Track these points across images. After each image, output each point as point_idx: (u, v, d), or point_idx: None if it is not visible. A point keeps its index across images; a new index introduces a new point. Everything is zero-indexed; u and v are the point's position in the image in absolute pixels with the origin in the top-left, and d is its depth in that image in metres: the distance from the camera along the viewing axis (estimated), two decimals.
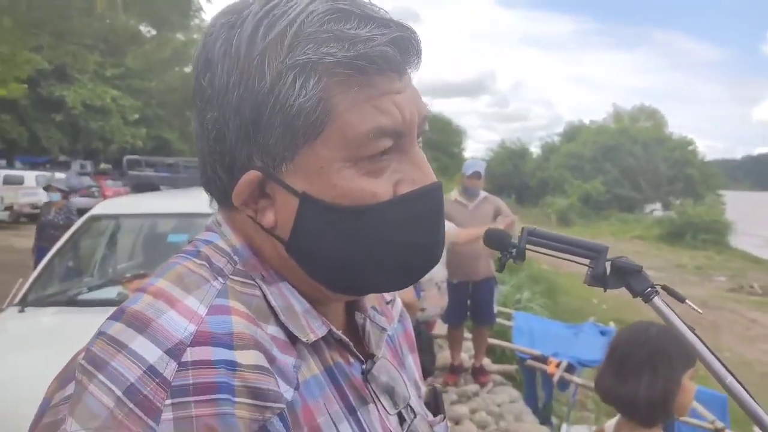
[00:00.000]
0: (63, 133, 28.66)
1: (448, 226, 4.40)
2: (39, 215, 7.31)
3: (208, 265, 0.59)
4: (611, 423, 1.67)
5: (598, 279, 0.81)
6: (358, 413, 0.62)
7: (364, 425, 0.62)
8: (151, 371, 0.48)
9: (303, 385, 0.57)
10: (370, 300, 0.75)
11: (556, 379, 4.53)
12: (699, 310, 0.78)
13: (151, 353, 0.49)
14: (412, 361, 0.85)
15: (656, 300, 0.80)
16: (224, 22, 0.59)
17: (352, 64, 0.55)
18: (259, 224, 0.61)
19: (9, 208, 16.82)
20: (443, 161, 41.72)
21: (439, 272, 4.28)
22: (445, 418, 0.79)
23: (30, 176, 19.42)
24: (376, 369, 0.67)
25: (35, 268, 6.23)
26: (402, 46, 0.58)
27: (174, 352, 0.49)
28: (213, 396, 0.48)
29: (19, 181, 18.76)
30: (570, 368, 4.66)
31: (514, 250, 0.82)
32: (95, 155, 32.05)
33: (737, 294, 14.43)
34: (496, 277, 5.24)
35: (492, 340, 5.62)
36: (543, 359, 4.81)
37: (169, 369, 0.48)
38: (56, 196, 7.02)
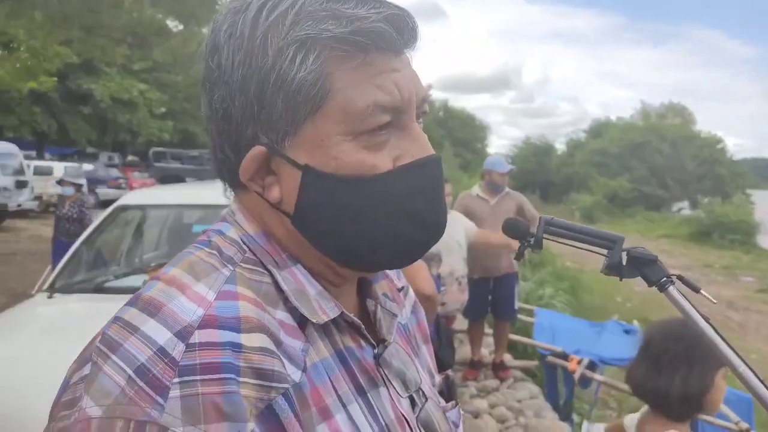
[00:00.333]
0: (91, 126, 29.11)
1: (469, 225, 4.40)
2: (55, 209, 7.46)
3: (218, 254, 0.62)
4: (632, 417, 1.67)
5: (613, 268, 0.82)
6: (369, 395, 0.64)
7: (375, 407, 0.64)
8: (161, 352, 0.51)
9: (311, 368, 0.59)
10: (381, 287, 0.77)
11: (577, 376, 4.50)
12: (713, 300, 0.78)
13: (161, 335, 0.52)
14: (426, 351, 0.86)
15: (671, 289, 0.81)
16: (231, 8, 0.62)
17: (349, 39, 0.57)
18: (266, 200, 0.63)
19: (38, 198, 17.14)
20: (466, 157, 41.56)
21: (459, 267, 4.28)
22: (457, 404, 0.81)
23: (59, 167, 19.77)
24: (388, 354, 0.69)
25: (53, 260, 6.35)
26: (397, 25, 0.60)
27: (182, 334, 0.52)
28: (219, 375, 0.50)
29: (48, 172, 19.11)
30: (592, 366, 4.62)
31: (531, 239, 0.82)
32: (123, 147, 32.52)
33: (765, 295, 14.15)
34: (517, 273, 5.22)
35: (513, 336, 5.60)
36: (564, 356, 4.78)
37: (177, 350, 0.51)
38: (69, 190, 7.11)
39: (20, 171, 15.41)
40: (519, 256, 0.85)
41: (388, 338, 0.70)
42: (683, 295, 0.81)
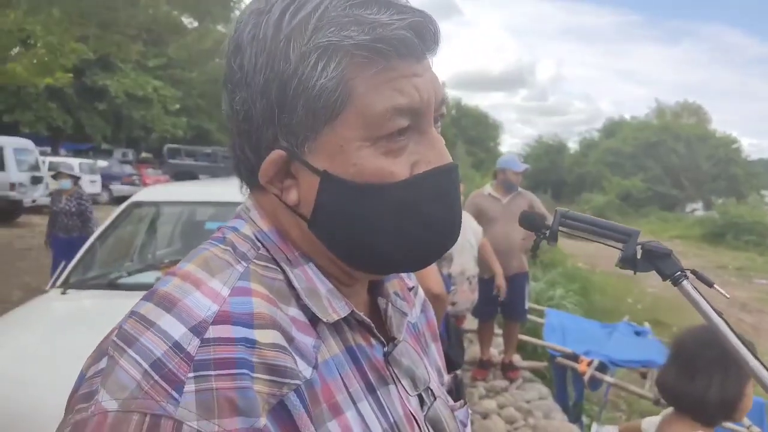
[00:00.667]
0: (106, 122, 29.31)
1: (477, 230, 4.41)
2: (50, 205, 7.12)
3: (232, 251, 0.63)
4: (651, 420, 1.67)
5: (628, 262, 0.82)
6: (378, 393, 0.65)
7: (384, 405, 0.65)
8: (176, 347, 0.52)
9: (322, 365, 0.60)
10: (393, 285, 0.78)
11: (587, 378, 4.49)
12: (726, 294, 0.78)
13: (177, 330, 0.53)
14: (435, 350, 0.87)
15: (685, 284, 0.81)
16: (254, 9, 0.63)
17: (371, 46, 0.58)
18: (284, 203, 0.64)
19: (53, 193, 17.27)
20: (479, 156, 41.42)
21: (470, 267, 4.29)
22: (466, 404, 0.81)
23: (74, 163, 19.90)
24: (398, 352, 0.70)
25: (54, 260, 6.27)
26: (420, 31, 0.60)
27: (197, 329, 0.53)
28: (232, 371, 0.51)
29: (71, 168, 19.23)
30: (602, 368, 4.61)
31: (547, 232, 0.83)
32: (137, 144, 32.74)
33: None
34: (528, 273, 5.22)
35: (523, 337, 5.59)
36: (574, 357, 4.77)
37: (192, 345, 0.52)
38: (67, 184, 6.83)
39: (36, 167, 15.53)
40: (535, 248, 0.86)
41: (398, 337, 0.71)
42: (697, 290, 0.81)
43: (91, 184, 19.90)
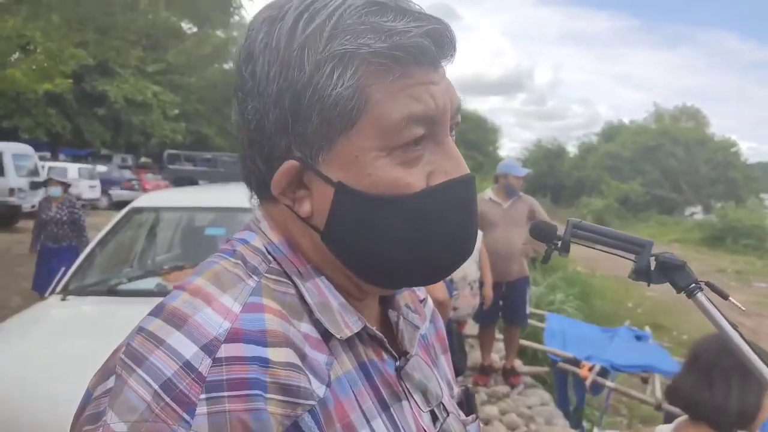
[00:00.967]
0: (105, 127, 29.30)
1: (479, 236, 4.41)
2: (38, 212, 6.63)
3: (243, 264, 0.61)
4: (663, 429, 1.66)
5: (642, 273, 0.81)
6: (392, 410, 0.64)
7: (398, 422, 0.63)
8: (187, 366, 0.50)
9: (335, 382, 0.58)
10: (404, 298, 0.76)
11: (588, 383, 4.47)
12: (742, 307, 0.77)
13: (188, 349, 0.51)
14: (445, 362, 0.85)
15: (699, 296, 0.80)
16: (266, 16, 0.61)
17: (388, 54, 0.56)
18: (296, 214, 0.62)
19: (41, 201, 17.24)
20: (478, 159, 41.46)
21: (472, 272, 4.28)
22: (477, 418, 0.80)
23: (73, 168, 19.92)
24: (410, 366, 0.68)
25: (37, 270, 6.15)
26: (437, 39, 0.59)
27: (209, 348, 0.51)
28: (246, 392, 0.50)
29: (62, 174, 19.26)
30: (603, 372, 4.60)
31: (559, 242, 0.81)
32: (136, 149, 32.72)
33: None
34: (529, 277, 5.21)
35: (524, 342, 5.58)
36: (575, 362, 4.75)
37: (204, 364, 0.50)
38: (56, 191, 6.41)
39: (35, 172, 15.52)
40: (546, 258, 0.85)
41: (410, 351, 0.70)
42: (712, 302, 0.80)
43: (90, 189, 19.92)
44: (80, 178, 19.54)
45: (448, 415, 0.72)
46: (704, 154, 44.14)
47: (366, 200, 0.59)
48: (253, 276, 0.60)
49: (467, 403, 0.82)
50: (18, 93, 19.39)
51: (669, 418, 4.06)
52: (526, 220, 4.89)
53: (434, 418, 0.71)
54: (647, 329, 6.35)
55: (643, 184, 41.01)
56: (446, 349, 0.87)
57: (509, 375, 5.23)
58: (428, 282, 0.67)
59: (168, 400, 0.49)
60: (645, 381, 4.73)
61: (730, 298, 0.80)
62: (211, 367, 0.50)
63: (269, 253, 0.64)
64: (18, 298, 6.83)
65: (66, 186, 6.61)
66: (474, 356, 5.49)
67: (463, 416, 0.78)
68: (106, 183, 21.48)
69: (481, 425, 0.83)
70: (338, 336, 0.60)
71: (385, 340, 0.66)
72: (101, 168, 22.66)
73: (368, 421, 0.60)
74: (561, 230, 0.82)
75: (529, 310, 5.28)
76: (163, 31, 10.78)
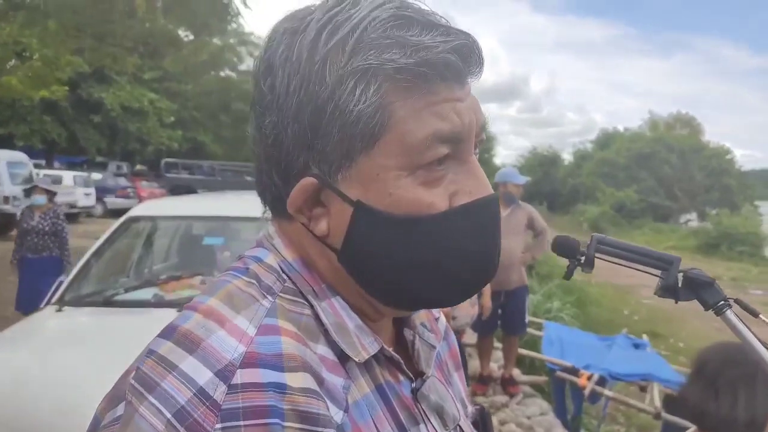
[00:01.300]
0: (101, 134, 29.20)
1: None
2: (19, 221, 6.18)
3: (257, 284, 0.59)
4: None
5: (669, 290, 0.79)
6: None
7: None
8: (201, 394, 0.48)
9: (353, 407, 0.56)
10: (419, 317, 0.74)
11: (587, 392, 4.46)
12: None
13: (201, 375, 0.49)
14: (458, 379, 0.83)
15: (728, 314, 0.78)
16: (287, 27, 0.60)
17: (414, 70, 0.54)
18: (312, 233, 0.60)
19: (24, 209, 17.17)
20: None
21: None
22: None
23: (68, 176, 19.85)
24: (426, 387, 0.66)
25: (20, 283, 5.86)
26: (464, 54, 0.57)
27: (224, 373, 0.49)
28: (263, 420, 0.48)
29: (57, 181, 19.16)
30: (601, 381, 4.59)
31: (582, 258, 0.79)
32: (131, 156, 32.64)
33: None
34: (528, 286, 5.20)
35: (522, 351, 5.56)
36: (574, 371, 4.74)
37: (219, 392, 0.48)
38: (41, 199, 5.96)
39: (29, 180, 15.44)
40: (568, 275, 0.82)
41: (427, 371, 0.68)
42: (741, 320, 0.79)
43: (85, 197, 19.84)
44: (75, 185, 19.46)
45: None
46: (699, 161, 44.33)
47: (386, 220, 0.57)
48: (267, 296, 0.58)
49: (483, 423, 0.80)
50: (14, 100, 19.37)
51: (668, 428, 4.05)
52: (525, 229, 4.89)
53: None
54: (645, 337, 6.35)
55: (638, 191, 41.15)
56: (459, 366, 0.85)
57: (508, 384, 5.21)
58: (449, 304, 0.65)
59: (181, 429, 0.47)
60: (643, 389, 4.72)
61: (761, 316, 0.79)
62: (227, 394, 0.48)
63: (283, 271, 0.62)
64: (12, 307, 6.76)
65: (52, 194, 6.18)
66: (472, 365, 5.47)
67: None
68: (102, 191, 21.41)
69: None
70: (356, 359, 0.59)
71: (401, 361, 0.64)
72: (96, 176, 22.58)
73: None
74: (584, 245, 0.80)
75: (528, 318, 5.27)
76: (160, 38, 10.78)
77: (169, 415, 0.47)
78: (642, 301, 11.59)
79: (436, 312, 0.82)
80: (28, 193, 6.31)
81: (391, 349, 0.63)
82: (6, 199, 14.17)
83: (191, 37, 11.95)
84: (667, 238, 29.84)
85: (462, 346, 4.85)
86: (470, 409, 0.81)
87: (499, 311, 4.93)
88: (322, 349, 0.57)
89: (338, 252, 0.60)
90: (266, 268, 0.61)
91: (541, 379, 5.58)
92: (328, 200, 0.59)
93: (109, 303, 3.34)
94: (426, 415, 0.65)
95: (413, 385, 0.66)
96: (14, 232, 14.22)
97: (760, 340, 0.79)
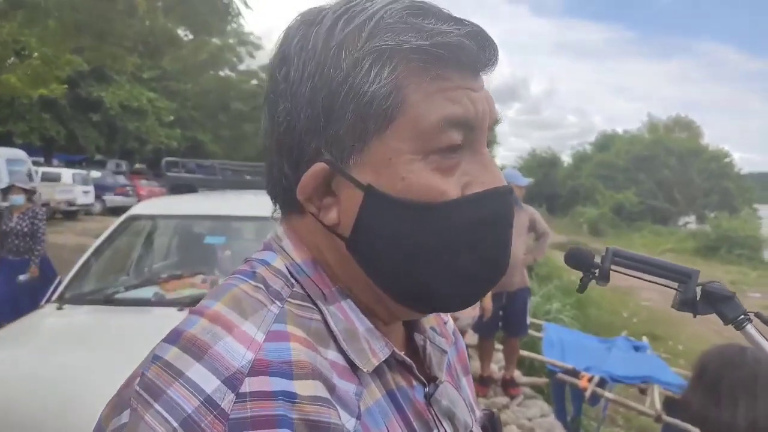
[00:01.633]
0: (100, 133, 29.19)
1: None
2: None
3: (264, 288, 0.58)
4: None
5: (687, 304, 0.78)
6: None
7: None
8: (209, 402, 0.47)
9: (365, 413, 0.55)
10: (429, 321, 0.73)
11: (588, 394, 4.45)
12: None
13: (209, 382, 0.48)
14: (467, 383, 0.82)
15: (749, 328, 0.77)
16: (303, 20, 0.60)
17: (430, 51, 0.54)
18: (321, 223, 0.59)
19: (45, 204, 17.19)
20: None
21: None
22: None
23: (67, 174, 19.85)
24: (439, 393, 0.65)
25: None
26: (479, 41, 0.57)
27: (231, 381, 0.48)
28: (272, 430, 0.46)
29: (56, 179, 19.19)
30: (601, 383, 4.59)
31: (596, 271, 0.78)
32: (130, 155, 32.63)
33: None
34: (529, 288, 5.20)
35: (522, 352, 5.56)
36: (574, 373, 4.74)
37: (226, 400, 0.47)
38: (19, 199, 5.67)
39: (29, 177, 15.47)
40: (582, 288, 0.81)
41: (439, 376, 0.67)
42: (761, 333, 0.78)
43: (84, 195, 19.83)
44: (74, 183, 19.47)
45: None
46: (698, 164, 44.45)
47: (396, 205, 0.56)
48: (275, 301, 0.56)
49: (492, 429, 0.78)
50: (12, 98, 19.35)
51: (668, 430, 4.04)
52: (527, 231, 4.88)
53: None
54: (645, 339, 6.35)
55: (637, 193, 41.25)
56: (467, 370, 0.84)
57: (508, 386, 5.20)
58: (457, 304, 0.62)
59: None
60: (643, 392, 4.72)
61: None
62: (235, 403, 0.47)
63: (292, 275, 0.60)
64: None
65: (30, 193, 5.90)
66: (473, 367, 5.44)
67: None
68: (100, 188, 21.41)
69: None
70: (365, 369, 0.57)
71: (413, 365, 0.63)
72: (95, 173, 22.58)
73: None
74: (598, 258, 0.79)
75: (529, 320, 5.26)
76: (160, 37, 10.78)
77: (175, 424, 0.46)
78: (641, 304, 11.60)
79: (445, 316, 0.81)
80: (4, 193, 6.07)
81: (402, 353, 0.62)
82: (5, 197, 14.15)
83: (191, 36, 11.96)
84: (666, 241, 29.87)
85: None
86: (479, 413, 0.80)
87: (501, 313, 4.92)
88: (333, 355, 0.56)
89: (347, 239, 0.59)
90: (274, 272, 0.60)
91: (542, 380, 5.57)
92: (339, 188, 0.58)
93: (109, 301, 3.32)
94: (439, 421, 0.64)
95: (426, 390, 0.64)
96: None
97: None
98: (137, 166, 31.94)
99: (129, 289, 3.52)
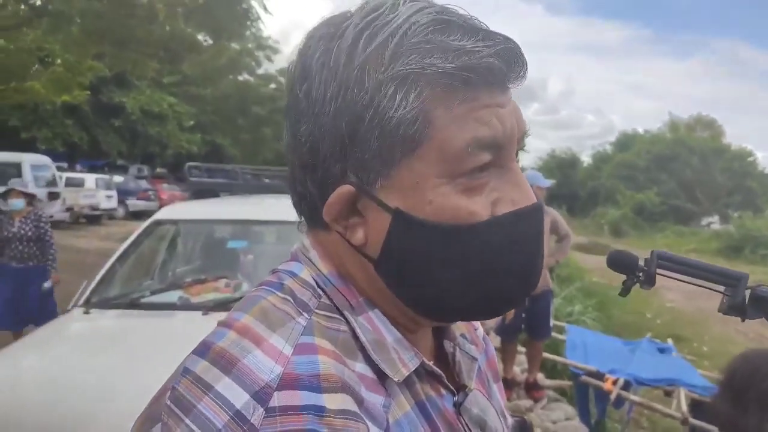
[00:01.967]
0: (121, 138, 29.60)
1: None
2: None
3: (292, 300, 0.57)
4: None
5: (736, 308, 0.75)
6: None
7: None
8: (239, 417, 0.47)
9: (394, 426, 0.55)
10: (459, 327, 0.72)
11: (613, 396, 4.41)
12: None
13: (238, 397, 0.48)
14: (497, 390, 0.81)
15: None
16: (323, 33, 0.58)
17: (457, 75, 0.53)
18: (348, 242, 0.59)
19: (69, 209, 17.45)
20: None
21: None
22: None
23: (90, 179, 20.14)
24: (468, 401, 0.65)
25: (1, 293, 5.30)
26: (507, 59, 0.55)
27: (261, 396, 0.48)
28: None
29: (80, 184, 19.47)
30: (625, 385, 4.53)
31: (641, 274, 0.76)
32: (152, 159, 33.00)
33: None
34: (552, 290, 5.16)
35: (545, 355, 5.52)
36: (599, 375, 4.69)
37: (256, 415, 0.47)
38: (19, 204, 5.44)
39: (53, 182, 15.71)
40: (625, 292, 0.79)
41: (469, 385, 0.66)
42: None
43: (107, 200, 20.10)
44: (97, 188, 19.74)
45: None
46: (720, 163, 43.89)
47: (425, 229, 0.55)
48: (303, 313, 0.56)
49: None
50: (36, 104, 19.69)
51: None
52: (549, 233, 4.85)
53: None
54: (670, 342, 6.27)
55: (659, 193, 40.80)
56: (498, 377, 0.83)
57: (532, 389, 5.16)
58: (488, 316, 0.63)
59: None
60: (668, 394, 4.66)
61: None
62: (264, 417, 0.47)
63: (318, 286, 0.60)
64: None
65: (31, 197, 5.67)
66: None
67: None
68: (123, 193, 21.68)
69: None
70: (396, 379, 0.57)
71: (443, 375, 0.62)
72: (118, 178, 22.88)
73: None
74: (641, 261, 0.77)
75: (552, 322, 5.22)
76: (180, 43, 10.90)
77: None
78: (665, 305, 11.46)
79: (476, 322, 0.80)
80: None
81: (431, 363, 0.61)
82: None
83: (210, 41, 12.07)
84: (689, 242, 29.49)
85: None
86: (510, 420, 0.79)
87: (523, 315, 4.89)
88: (361, 367, 0.56)
89: (375, 262, 0.58)
90: (301, 284, 0.60)
91: (565, 383, 5.52)
92: (366, 209, 0.57)
93: (135, 305, 3.36)
94: (469, 430, 0.63)
95: (456, 398, 0.64)
96: None
97: None
98: (158, 170, 32.31)
99: (154, 293, 3.55)
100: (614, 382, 4.50)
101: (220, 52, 11.52)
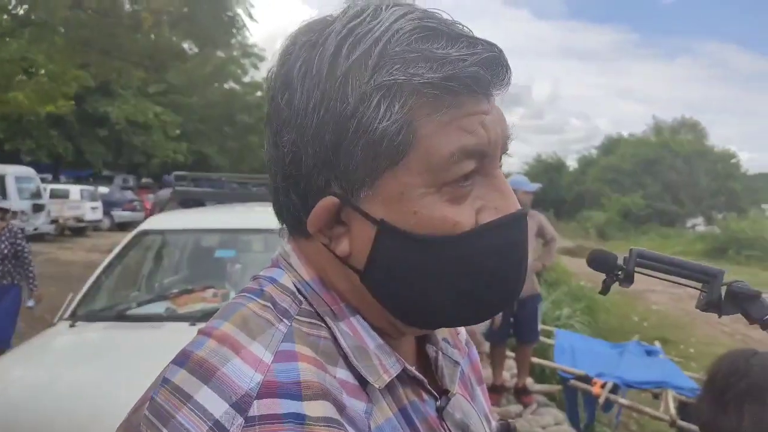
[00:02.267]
0: (107, 148, 29.38)
1: None
2: None
3: (272, 307, 0.57)
4: None
5: (712, 305, 0.76)
6: None
7: None
8: (218, 427, 0.47)
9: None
10: (441, 332, 0.72)
11: (602, 400, 4.43)
12: None
13: (217, 407, 0.48)
14: (481, 393, 0.81)
15: None
16: (305, 41, 0.57)
17: (441, 85, 0.52)
18: (332, 252, 0.58)
19: (55, 221, 17.27)
20: None
21: None
22: None
23: (75, 190, 19.95)
24: (451, 405, 0.65)
25: None
26: (492, 67, 0.55)
27: (240, 405, 0.47)
28: None
29: (64, 195, 19.29)
30: (614, 389, 4.56)
31: (620, 273, 0.76)
32: (137, 169, 32.77)
33: None
34: (540, 294, 5.18)
35: (534, 359, 5.53)
36: (587, 379, 4.71)
37: (235, 425, 0.47)
38: None
39: (37, 194, 15.58)
40: (605, 290, 0.80)
41: (451, 388, 0.66)
42: None
43: (92, 211, 19.92)
44: (82, 199, 19.56)
45: None
46: (704, 165, 44.26)
47: (411, 240, 0.55)
48: (283, 320, 0.56)
49: None
50: (20, 115, 19.48)
51: None
52: (535, 237, 4.87)
53: None
54: (657, 344, 6.31)
55: (644, 196, 41.08)
56: (481, 380, 0.83)
57: (521, 394, 5.17)
58: (473, 323, 0.63)
59: None
60: (656, 397, 4.69)
61: None
62: (244, 427, 0.46)
63: (299, 292, 0.60)
64: (22, 323, 6.76)
65: (4, 212, 5.40)
66: (485, 375, 5.42)
67: None
68: (108, 204, 21.49)
69: None
70: (377, 385, 0.57)
71: (425, 380, 0.62)
72: (103, 189, 22.69)
73: None
74: (621, 259, 0.78)
75: (540, 326, 5.24)
76: (165, 52, 10.85)
77: None
78: (651, 308, 11.53)
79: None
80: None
81: (413, 368, 0.61)
82: (14, 214, 14.25)
83: (196, 50, 12.04)
84: (674, 243, 29.67)
85: None
86: (494, 424, 0.79)
87: (511, 320, 4.90)
88: (342, 373, 0.56)
89: (361, 273, 0.58)
90: (282, 290, 0.60)
91: (555, 388, 5.54)
92: (349, 219, 0.57)
93: (122, 317, 3.33)
94: None
95: (438, 403, 0.64)
96: None
97: None
98: (144, 180, 32.07)
99: (141, 304, 3.52)
100: (602, 386, 4.52)
101: (205, 60, 11.51)
